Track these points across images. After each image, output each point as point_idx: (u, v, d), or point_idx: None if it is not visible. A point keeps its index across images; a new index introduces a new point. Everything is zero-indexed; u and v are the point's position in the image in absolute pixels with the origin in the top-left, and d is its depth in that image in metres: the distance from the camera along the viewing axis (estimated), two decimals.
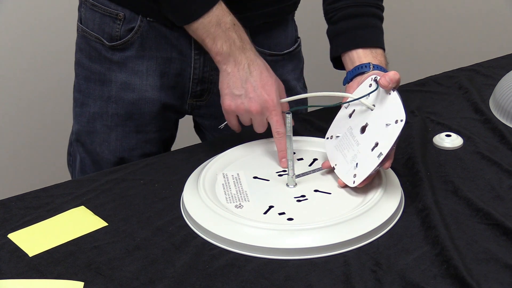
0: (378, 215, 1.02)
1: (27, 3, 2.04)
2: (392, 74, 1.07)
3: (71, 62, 1.35)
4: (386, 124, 1.04)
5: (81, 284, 0.92)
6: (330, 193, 1.09)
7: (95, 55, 1.30)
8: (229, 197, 1.08)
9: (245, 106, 1.13)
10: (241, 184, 1.10)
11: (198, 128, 1.46)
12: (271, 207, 1.05)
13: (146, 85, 1.29)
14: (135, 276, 0.94)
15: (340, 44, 1.27)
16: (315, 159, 1.18)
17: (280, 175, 1.12)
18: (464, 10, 2.45)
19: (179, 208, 1.08)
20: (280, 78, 1.33)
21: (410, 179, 1.13)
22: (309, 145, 1.21)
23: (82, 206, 1.10)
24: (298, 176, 1.12)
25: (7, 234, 1.03)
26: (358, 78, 1.18)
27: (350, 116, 1.12)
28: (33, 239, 1.02)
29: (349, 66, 1.23)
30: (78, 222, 1.06)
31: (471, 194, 1.09)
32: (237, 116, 1.17)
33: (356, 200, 1.06)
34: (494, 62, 1.59)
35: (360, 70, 1.20)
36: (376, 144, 1.04)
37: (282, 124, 1.13)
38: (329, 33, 1.29)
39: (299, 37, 1.41)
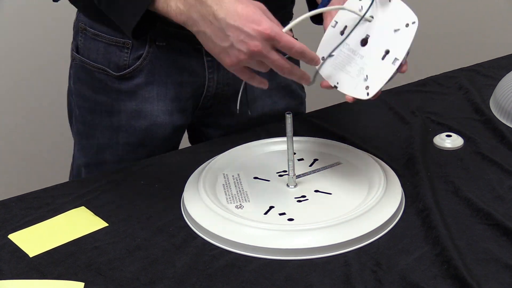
0: (379, 215, 1.02)
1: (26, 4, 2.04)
2: None
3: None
4: (395, 30, 0.99)
5: (82, 284, 0.92)
6: (330, 194, 1.09)
7: (100, 86, 1.26)
8: (230, 198, 1.08)
9: (245, 51, 0.96)
10: (241, 185, 1.11)
11: (196, 138, 1.42)
12: (271, 207, 1.05)
13: (158, 110, 1.26)
14: (136, 277, 0.94)
15: None
16: (315, 159, 1.18)
17: (280, 176, 1.12)
18: (464, 10, 2.45)
19: (180, 209, 1.09)
20: (283, 82, 1.34)
21: (411, 180, 1.13)
22: (310, 145, 1.21)
23: (83, 207, 1.10)
24: (299, 176, 1.12)
25: (8, 235, 1.03)
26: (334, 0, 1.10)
27: (341, 33, 1.06)
28: (34, 239, 1.03)
29: None
30: (78, 222, 1.06)
31: (471, 194, 1.09)
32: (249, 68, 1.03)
33: (357, 200, 1.07)
34: (495, 62, 1.59)
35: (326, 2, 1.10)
36: (387, 52, 1.00)
37: (294, 41, 0.98)
38: None
39: (296, 39, 1.40)
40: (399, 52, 0.99)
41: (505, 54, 1.65)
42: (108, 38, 1.22)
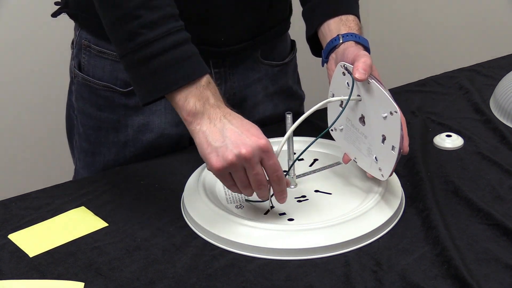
0: (379, 215, 1.02)
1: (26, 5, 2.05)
2: (362, 63, 1.02)
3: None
4: (383, 117, 1.02)
5: (82, 284, 0.93)
6: (330, 194, 1.09)
7: (105, 103, 1.25)
8: (230, 198, 1.08)
9: (235, 153, 0.96)
10: None
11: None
12: (271, 207, 1.05)
13: (165, 123, 1.25)
14: (136, 277, 0.94)
15: (310, 22, 1.21)
16: (315, 160, 1.18)
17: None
18: (464, 10, 2.45)
19: (180, 209, 1.09)
20: (284, 85, 1.35)
21: (411, 180, 1.13)
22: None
23: (83, 207, 1.10)
24: (299, 176, 1.12)
25: (8, 235, 1.03)
26: (333, 55, 1.13)
27: (340, 105, 1.09)
28: (34, 239, 1.03)
29: (323, 43, 1.17)
30: (78, 222, 1.07)
31: (471, 194, 1.09)
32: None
33: (357, 200, 1.07)
34: (495, 62, 1.59)
35: (331, 45, 1.14)
36: (384, 137, 1.03)
37: (280, 166, 1.00)
38: (303, 15, 1.24)
39: (293, 40, 1.41)
40: (394, 140, 1.01)
41: (505, 54, 1.65)
42: (115, 55, 1.20)
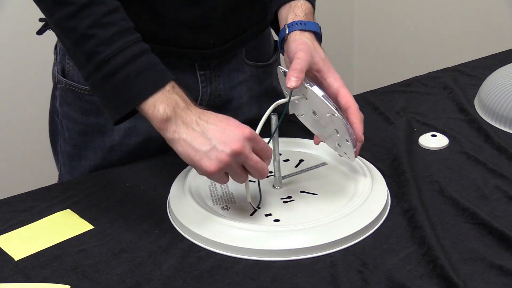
0: (364, 215, 1.02)
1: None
2: (293, 69, 1.02)
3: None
4: (328, 116, 1.03)
5: (68, 287, 0.92)
6: (316, 194, 1.09)
7: (91, 107, 1.24)
8: (215, 199, 1.08)
9: (228, 152, 0.96)
10: (227, 186, 1.11)
11: None
12: (258, 208, 1.05)
13: (151, 126, 1.21)
14: (122, 279, 0.94)
15: (269, 8, 1.20)
16: (301, 160, 1.19)
17: (266, 177, 1.12)
18: (449, 10, 2.46)
19: (165, 211, 1.09)
20: (270, 86, 1.36)
21: (396, 180, 1.14)
22: (295, 146, 1.22)
23: (68, 210, 1.10)
24: (285, 177, 1.13)
25: None
26: (285, 46, 1.12)
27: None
28: (19, 242, 1.02)
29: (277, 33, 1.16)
30: (64, 225, 1.06)
31: (456, 194, 1.10)
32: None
33: (342, 200, 1.07)
34: (478, 62, 1.60)
35: (281, 37, 1.13)
36: (337, 131, 1.04)
37: (269, 147, 1.02)
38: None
39: (276, 41, 1.41)
40: (345, 135, 1.03)
41: (489, 54, 1.66)
42: None
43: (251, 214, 1.04)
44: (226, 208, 1.06)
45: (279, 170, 1.10)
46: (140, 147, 1.26)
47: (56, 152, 1.33)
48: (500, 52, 1.67)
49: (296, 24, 1.11)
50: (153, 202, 1.11)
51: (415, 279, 0.91)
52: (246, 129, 0.97)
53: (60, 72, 1.26)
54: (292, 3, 1.15)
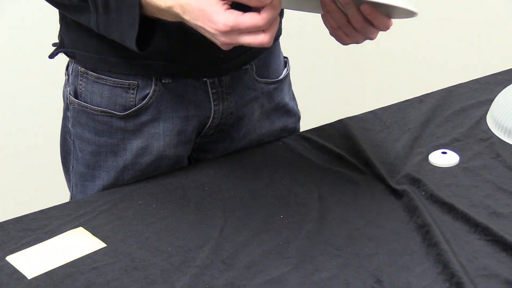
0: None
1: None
2: None
3: None
4: None
5: None
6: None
7: (104, 128, 1.25)
8: None
9: (220, 45, 1.00)
10: None
11: (189, 159, 1.40)
12: None
13: (164, 145, 1.26)
14: None
15: None
16: None
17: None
18: (461, 26, 2.48)
19: (178, 228, 1.10)
20: (281, 102, 1.37)
21: (408, 197, 1.15)
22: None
23: (81, 227, 1.11)
24: None
25: (5, 257, 1.04)
26: None
27: None
28: (32, 261, 1.04)
29: None
30: (76, 243, 1.08)
31: (468, 210, 1.11)
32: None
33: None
34: (491, 78, 1.61)
35: None
36: None
37: (254, 18, 0.97)
38: None
39: (285, 57, 1.43)
40: None
41: (502, 70, 1.67)
42: (113, 81, 1.22)
43: None
44: None
45: None
46: (152, 166, 1.27)
47: (68, 172, 1.34)
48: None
49: None
50: (165, 220, 1.12)
51: None
52: (220, 26, 0.97)
53: (72, 93, 1.27)
54: None
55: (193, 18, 1.00)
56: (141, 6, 1.05)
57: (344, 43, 1.09)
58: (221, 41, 0.99)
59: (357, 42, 1.09)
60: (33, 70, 2.12)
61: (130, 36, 1.07)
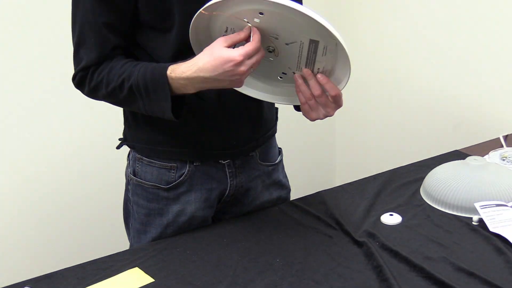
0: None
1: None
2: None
3: None
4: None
5: None
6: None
7: (153, 197, 1.27)
8: None
9: (240, 77, 0.99)
10: None
11: (212, 219, 1.37)
12: None
13: (195, 209, 1.28)
14: None
15: None
16: None
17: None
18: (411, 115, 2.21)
19: (204, 268, 1.10)
20: (276, 179, 1.37)
21: (366, 245, 1.15)
22: None
23: (136, 267, 1.14)
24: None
25: None
26: None
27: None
28: None
29: None
30: (133, 279, 1.10)
31: (408, 255, 1.12)
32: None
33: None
34: (424, 162, 1.55)
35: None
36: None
37: (253, 46, 0.97)
38: None
39: (279, 147, 1.41)
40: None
41: (430, 156, 1.59)
42: (160, 164, 1.26)
43: None
44: None
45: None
46: (186, 224, 1.31)
47: (128, 228, 1.37)
48: (438, 155, 1.60)
49: None
50: (195, 262, 1.13)
51: None
52: (235, 57, 0.96)
53: (132, 173, 1.31)
54: None
55: (211, 71, 0.99)
56: (169, 83, 1.06)
57: (311, 118, 1.08)
58: (240, 71, 0.97)
59: (319, 118, 1.07)
60: (106, 157, 2.08)
61: (167, 108, 1.08)
